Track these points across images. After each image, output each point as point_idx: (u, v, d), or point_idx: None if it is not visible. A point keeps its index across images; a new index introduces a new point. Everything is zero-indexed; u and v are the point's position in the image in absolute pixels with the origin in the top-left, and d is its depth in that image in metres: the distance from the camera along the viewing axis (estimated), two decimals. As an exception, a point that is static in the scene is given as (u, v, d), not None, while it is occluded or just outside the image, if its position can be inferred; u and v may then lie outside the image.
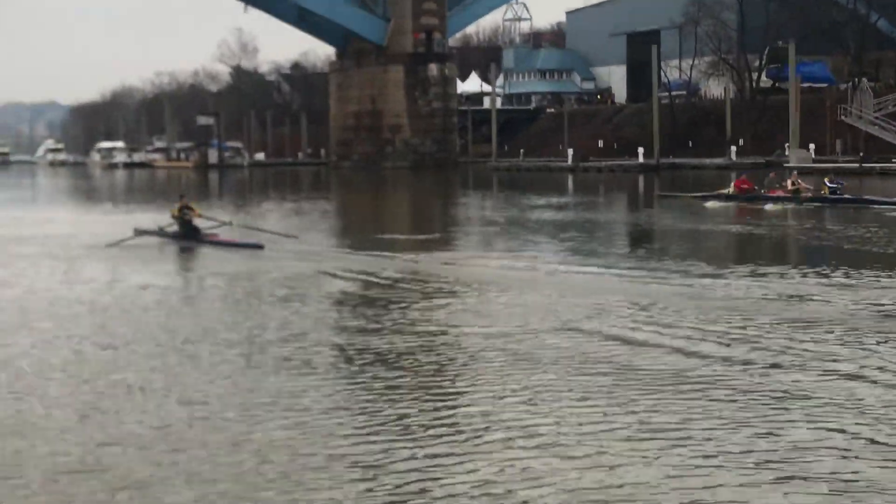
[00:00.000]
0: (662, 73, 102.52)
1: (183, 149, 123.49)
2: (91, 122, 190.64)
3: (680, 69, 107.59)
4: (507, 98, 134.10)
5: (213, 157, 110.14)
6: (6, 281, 17.91)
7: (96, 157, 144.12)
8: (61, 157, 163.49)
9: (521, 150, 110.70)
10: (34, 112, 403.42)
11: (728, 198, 34.26)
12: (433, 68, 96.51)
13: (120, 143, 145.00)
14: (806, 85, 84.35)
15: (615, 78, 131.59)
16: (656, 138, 73.88)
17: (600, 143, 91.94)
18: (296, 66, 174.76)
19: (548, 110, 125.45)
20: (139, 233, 23.44)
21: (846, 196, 32.64)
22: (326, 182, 76.52)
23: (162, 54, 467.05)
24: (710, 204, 33.81)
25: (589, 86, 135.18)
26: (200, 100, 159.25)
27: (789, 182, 33.67)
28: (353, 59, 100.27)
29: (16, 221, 33.52)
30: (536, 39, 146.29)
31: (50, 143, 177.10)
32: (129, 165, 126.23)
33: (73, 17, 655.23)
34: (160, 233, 23.29)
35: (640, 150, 76.91)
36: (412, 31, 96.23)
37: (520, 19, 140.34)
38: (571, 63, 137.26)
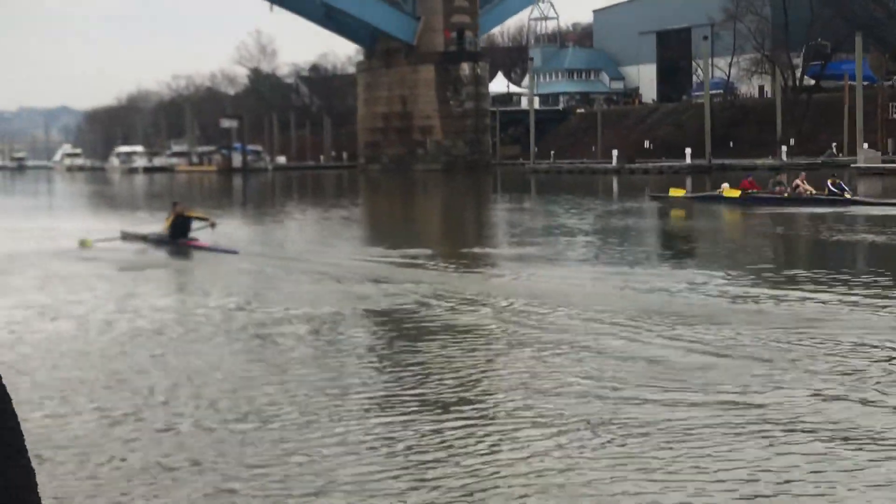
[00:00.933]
0: (699, 72, 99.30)
1: (205, 153, 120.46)
2: (106, 127, 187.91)
3: (711, 67, 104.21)
4: (535, 98, 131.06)
5: (236, 160, 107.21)
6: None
7: (115, 161, 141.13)
8: (79, 161, 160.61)
9: (552, 152, 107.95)
10: (47, 117, 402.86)
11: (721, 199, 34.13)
12: (465, 67, 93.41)
13: (139, 148, 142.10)
14: (847, 83, 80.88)
15: (644, 77, 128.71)
16: (708, 138, 70.71)
17: (648, 144, 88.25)
18: (314, 68, 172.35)
19: (577, 111, 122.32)
20: (125, 236, 23.62)
21: (848, 197, 32.12)
22: (354, 186, 73.92)
23: (179, 58, 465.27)
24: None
25: (618, 85, 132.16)
26: (218, 103, 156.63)
27: (797, 182, 33.12)
28: (382, 58, 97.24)
29: (19, 234, 27.93)
30: (562, 39, 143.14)
31: (67, 148, 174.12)
32: (149, 170, 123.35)
33: (86, 23, 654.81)
34: (143, 237, 23.41)
35: (688, 150, 73.53)
36: (443, 29, 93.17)
37: (546, 18, 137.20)
38: (600, 62, 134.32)
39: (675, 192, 36.79)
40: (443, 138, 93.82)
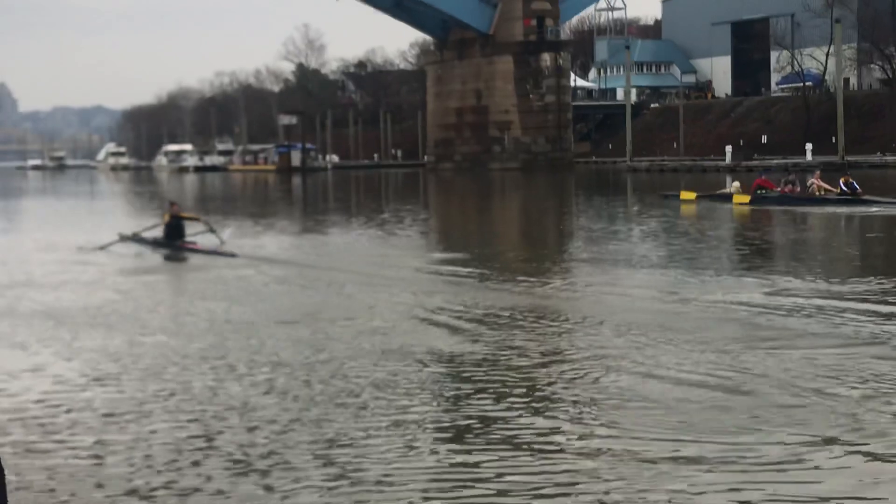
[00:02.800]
0: (797, 64, 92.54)
1: (259, 151, 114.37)
2: (146, 126, 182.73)
3: (793, 59, 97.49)
4: (601, 93, 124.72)
5: (295, 159, 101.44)
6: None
7: (162, 160, 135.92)
8: (123, 160, 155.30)
9: (628, 150, 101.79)
10: (81, 116, 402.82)
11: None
12: (546, 58, 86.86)
13: (188, 146, 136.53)
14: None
15: (718, 70, 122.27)
16: (840, 132, 63.70)
17: (764, 139, 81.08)
18: (360, 64, 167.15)
19: (651, 105, 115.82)
20: (123, 238, 22.85)
21: (860, 196, 31.14)
22: (427, 187, 68.56)
23: (224, 55, 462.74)
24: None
25: (689, 79, 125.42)
26: (263, 100, 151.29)
27: (812, 181, 32.94)
28: (455, 49, 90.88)
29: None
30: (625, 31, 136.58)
31: (111, 147, 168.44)
32: (200, 169, 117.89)
33: (121, 21, 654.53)
34: (142, 239, 22.58)
35: (809, 146, 66.72)
36: (522, 17, 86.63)
37: (613, 9, 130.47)
38: (670, 55, 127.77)
39: (686, 196, 35.92)
40: (522, 134, 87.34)
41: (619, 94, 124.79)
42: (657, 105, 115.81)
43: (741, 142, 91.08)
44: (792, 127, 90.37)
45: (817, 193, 31.82)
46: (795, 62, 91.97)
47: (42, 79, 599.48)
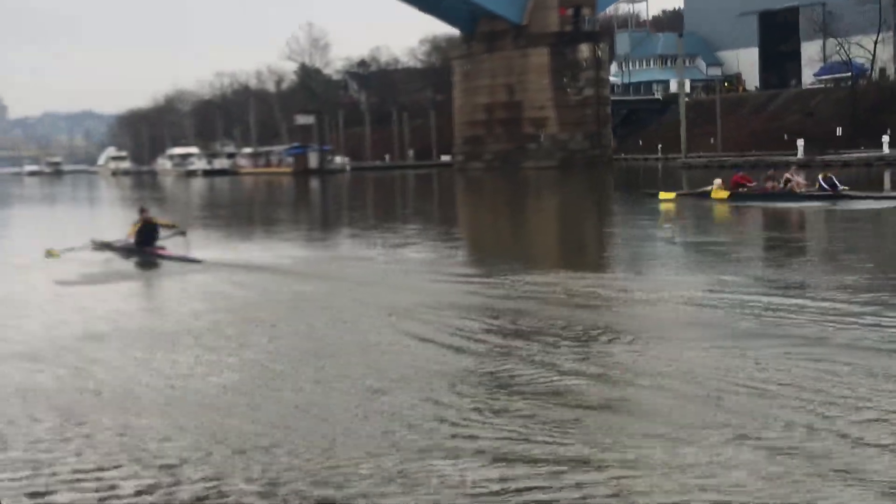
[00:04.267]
0: (845, 52, 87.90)
1: (271, 153, 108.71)
2: (141, 130, 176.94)
3: (840, 48, 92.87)
4: (625, 88, 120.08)
5: (311, 161, 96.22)
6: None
7: (166, 164, 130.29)
8: (125, 165, 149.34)
9: (659, 146, 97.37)
10: (70, 122, 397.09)
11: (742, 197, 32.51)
12: (584, 49, 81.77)
13: (194, 149, 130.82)
14: None
15: (745, 63, 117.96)
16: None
17: (839, 132, 75.87)
18: (362, 62, 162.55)
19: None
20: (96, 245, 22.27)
21: (840, 192, 31.01)
22: (456, 188, 63.97)
23: (222, 57, 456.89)
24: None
25: (715, 72, 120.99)
26: (264, 101, 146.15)
27: (787, 176, 32.48)
28: (484, 42, 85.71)
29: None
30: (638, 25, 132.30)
31: (112, 151, 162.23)
32: (209, 173, 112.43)
33: (107, 27, 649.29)
34: (111, 246, 22.09)
35: (885, 138, 61.78)
36: (558, 6, 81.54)
37: (634, 1, 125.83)
38: (694, 48, 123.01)
39: (665, 196, 35.02)
40: (559, 131, 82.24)
41: (644, 90, 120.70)
42: (687, 99, 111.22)
43: (785, 136, 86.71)
44: (836, 119, 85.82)
45: (796, 190, 31.75)
46: (843, 51, 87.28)
47: (30, 85, 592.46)
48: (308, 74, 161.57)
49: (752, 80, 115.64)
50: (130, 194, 70.81)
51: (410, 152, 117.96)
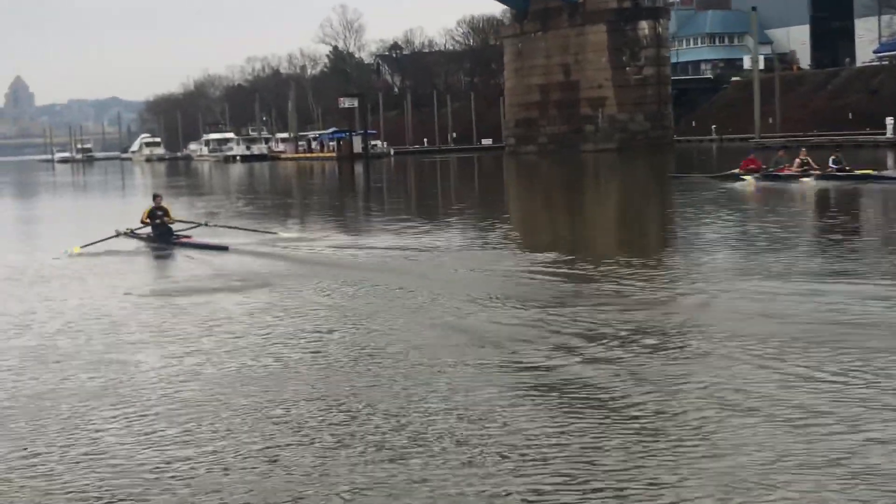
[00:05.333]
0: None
1: (314, 137, 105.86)
2: (176, 115, 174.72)
3: (879, 26, 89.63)
4: (672, 67, 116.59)
5: (356, 145, 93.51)
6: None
7: (202, 149, 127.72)
8: (159, 151, 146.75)
9: (713, 126, 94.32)
10: (97, 108, 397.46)
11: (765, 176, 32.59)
12: (644, 26, 78.36)
13: (230, 134, 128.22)
14: None
15: (795, 40, 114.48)
16: None
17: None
18: (395, 46, 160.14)
19: (732, 79, 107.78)
20: (119, 234, 21.72)
21: (852, 172, 30.93)
22: (508, 173, 60.82)
23: (252, 43, 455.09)
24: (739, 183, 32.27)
25: (765, 50, 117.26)
26: (297, 86, 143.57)
27: (798, 160, 32.26)
28: (537, 20, 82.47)
29: None
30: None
31: (146, 137, 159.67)
32: (248, 159, 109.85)
33: (136, 14, 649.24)
34: (135, 235, 21.81)
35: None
36: (616, -19, 78.35)
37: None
38: (743, 25, 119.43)
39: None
40: (618, 111, 78.98)
41: (691, 70, 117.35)
42: (738, 78, 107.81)
43: (850, 115, 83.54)
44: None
45: (812, 172, 31.45)
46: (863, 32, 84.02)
47: (57, 72, 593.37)
48: (342, 58, 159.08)
49: (803, 58, 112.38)
50: (175, 182, 68.37)
51: (454, 135, 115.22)
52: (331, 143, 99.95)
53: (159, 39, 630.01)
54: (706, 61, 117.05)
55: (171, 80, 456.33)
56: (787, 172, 32.11)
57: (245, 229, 22.19)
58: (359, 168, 76.72)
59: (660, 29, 78.83)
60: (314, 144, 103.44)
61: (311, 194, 48.53)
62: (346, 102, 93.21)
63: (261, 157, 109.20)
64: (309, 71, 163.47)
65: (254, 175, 77.02)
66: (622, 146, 76.99)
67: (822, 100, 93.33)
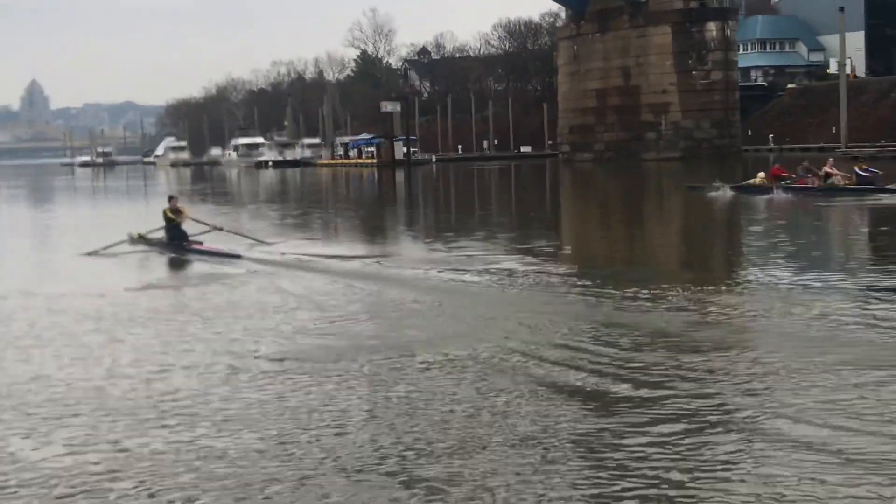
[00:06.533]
0: None
1: (351, 143, 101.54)
2: (201, 119, 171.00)
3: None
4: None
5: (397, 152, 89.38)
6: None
7: (232, 155, 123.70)
8: (184, 156, 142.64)
9: (770, 136, 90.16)
10: (111, 112, 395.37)
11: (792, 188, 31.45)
12: (712, 28, 73.95)
13: (260, 139, 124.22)
14: None
15: (848, 48, 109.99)
16: None
17: None
18: (423, 50, 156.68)
19: (788, 86, 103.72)
20: (133, 240, 21.39)
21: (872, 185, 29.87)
22: (564, 182, 56.96)
23: (276, 47, 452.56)
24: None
25: (817, 57, 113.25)
26: (323, 90, 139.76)
27: (825, 170, 31.54)
28: (595, 21, 78.18)
29: None
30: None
31: (171, 141, 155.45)
32: (280, 164, 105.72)
33: (152, 17, 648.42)
34: (146, 240, 21.33)
35: None
36: (682, -19, 74.00)
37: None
38: (795, 31, 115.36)
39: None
40: (682, 118, 74.57)
41: (741, 76, 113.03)
42: (794, 85, 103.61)
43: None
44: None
45: (838, 183, 30.74)
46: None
47: (72, 76, 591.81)
48: (370, 62, 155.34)
49: (857, 65, 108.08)
50: (214, 188, 64.14)
51: (495, 142, 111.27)
52: (369, 150, 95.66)
53: (176, 43, 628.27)
54: (756, 67, 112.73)
55: (189, 83, 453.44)
56: (806, 185, 31.75)
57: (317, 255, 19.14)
58: (400, 176, 72.61)
59: (728, 31, 74.45)
60: (351, 151, 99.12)
61: (380, 205, 44.30)
62: (388, 107, 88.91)
63: (294, 164, 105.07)
64: (336, 75, 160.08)
65: (296, 182, 72.82)
66: (686, 154, 72.63)
67: (887, 108, 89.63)
